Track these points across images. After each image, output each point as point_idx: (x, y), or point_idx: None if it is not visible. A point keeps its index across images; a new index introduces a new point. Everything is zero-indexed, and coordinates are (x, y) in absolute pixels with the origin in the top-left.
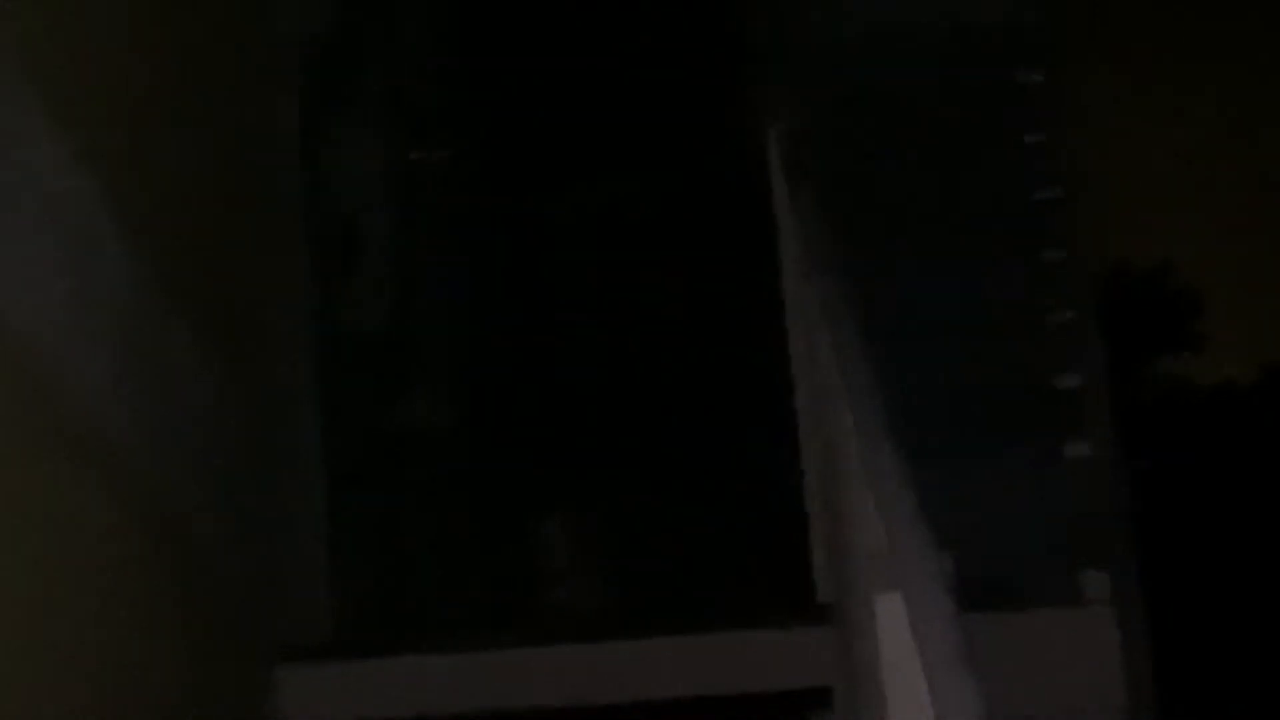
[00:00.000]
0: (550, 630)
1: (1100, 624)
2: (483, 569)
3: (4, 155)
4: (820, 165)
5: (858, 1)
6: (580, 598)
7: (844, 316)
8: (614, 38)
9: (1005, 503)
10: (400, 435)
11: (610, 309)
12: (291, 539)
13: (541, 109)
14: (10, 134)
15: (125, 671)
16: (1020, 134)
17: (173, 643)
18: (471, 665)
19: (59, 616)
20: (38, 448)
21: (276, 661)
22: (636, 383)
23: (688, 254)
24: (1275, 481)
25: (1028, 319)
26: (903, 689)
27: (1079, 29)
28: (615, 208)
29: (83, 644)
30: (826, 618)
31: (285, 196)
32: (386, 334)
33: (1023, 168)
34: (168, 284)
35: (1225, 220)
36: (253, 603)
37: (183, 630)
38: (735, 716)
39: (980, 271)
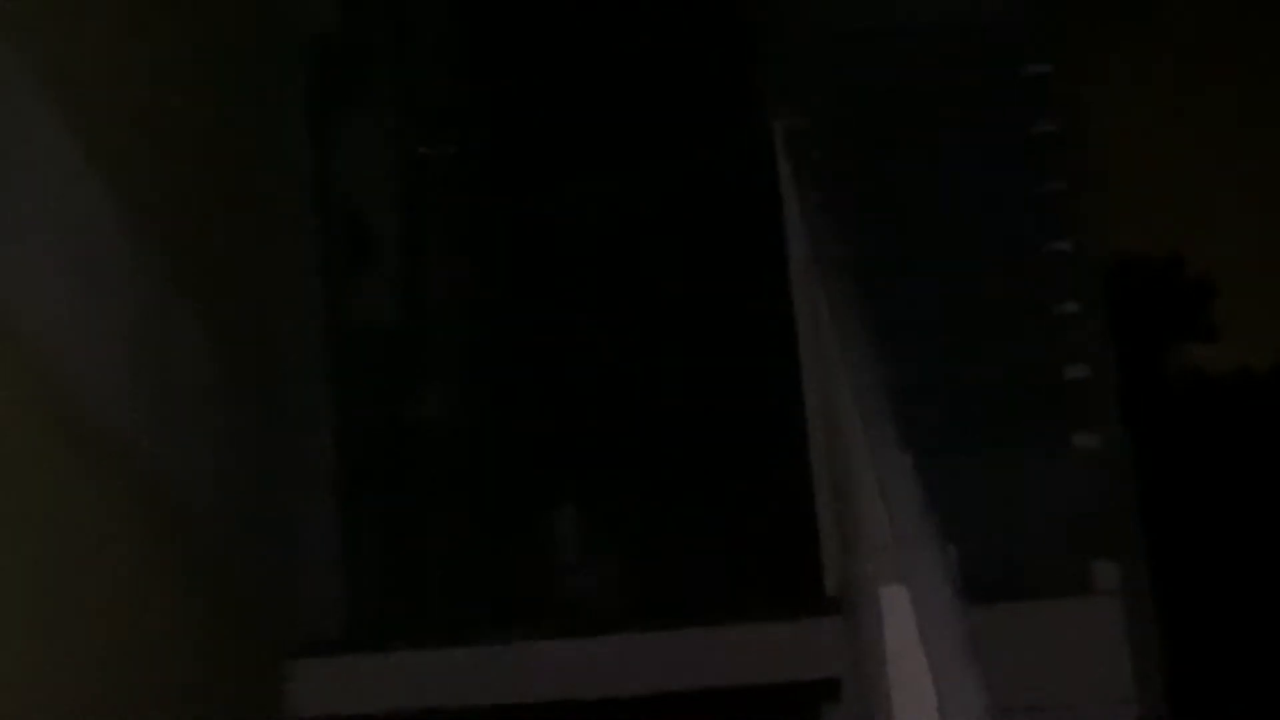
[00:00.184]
0: (561, 624)
1: (1109, 614)
2: (493, 563)
3: (11, 154)
4: (826, 160)
5: None
6: (591, 592)
7: (851, 309)
8: (621, 35)
9: (1014, 494)
10: (411, 430)
11: (620, 304)
12: (303, 534)
13: (549, 105)
14: (17, 132)
15: (139, 667)
16: (1027, 126)
17: (186, 638)
18: (483, 659)
19: (74, 614)
20: (48, 447)
21: (290, 656)
22: (647, 377)
23: (696, 250)
24: None
25: (1036, 311)
26: (908, 680)
27: (1086, 20)
28: (624, 203)
29: (97, 640)
30: (835, 610)
31: (294, 194)
32: (396, 330)
33: (1029, 160)
34: (176, 282)
35: (1238, 209)
36: (265, 598)
37: (196, 625)
38: (745, 709)
39: (988, 264)
